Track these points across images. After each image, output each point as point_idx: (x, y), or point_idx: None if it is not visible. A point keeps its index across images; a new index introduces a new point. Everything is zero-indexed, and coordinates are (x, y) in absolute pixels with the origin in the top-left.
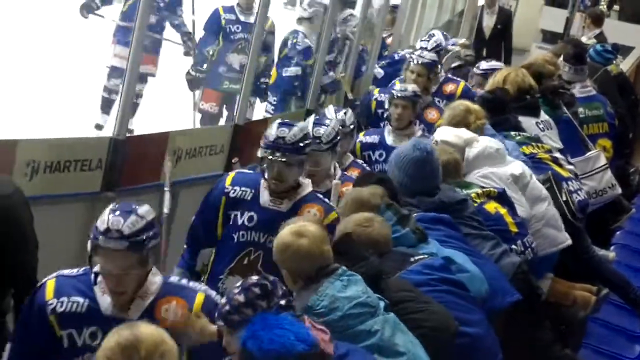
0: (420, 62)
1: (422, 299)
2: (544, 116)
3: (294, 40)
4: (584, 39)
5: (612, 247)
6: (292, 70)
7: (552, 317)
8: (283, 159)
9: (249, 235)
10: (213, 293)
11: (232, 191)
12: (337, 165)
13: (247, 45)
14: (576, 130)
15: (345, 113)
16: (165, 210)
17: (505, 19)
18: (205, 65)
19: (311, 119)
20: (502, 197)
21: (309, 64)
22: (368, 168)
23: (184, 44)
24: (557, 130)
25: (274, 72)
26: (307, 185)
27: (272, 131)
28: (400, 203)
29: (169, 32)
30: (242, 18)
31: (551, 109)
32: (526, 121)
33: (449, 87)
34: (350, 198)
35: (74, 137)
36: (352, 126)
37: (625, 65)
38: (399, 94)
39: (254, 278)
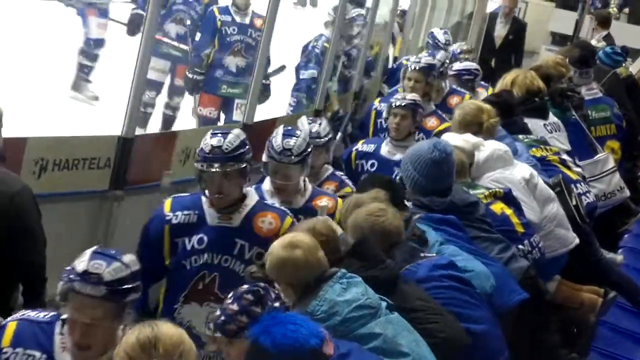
0: (416, 68)
1: (437, 310)
2: (552, 118)
3: (314, 44)
4: (593, 42)
5: (619, 250)
6: (309, 73)
7: (561, 319)
8: (223, 170)
9: (201, 258)
10: None
11: (174, 217)
12: (306, 180)
13: (244, 48)
14: (584, 133)
15: (320, 124)
16: None
17: (518, 30)
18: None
19: (280, 129)
20: (508, 198)
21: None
22: (348, 181)
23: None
24: (566, 132)
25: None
26: (252, 194)
27: (207, 141)
28: (402, 205)
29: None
30: (237, 19)
31: (560, 111)
32: (534, 123)
33: (454, 100)
34: (352, 203)
35: (83, 136)
36: (327, 138)
37: (634, 68)
38: (397, 103)
39: (245, 286)
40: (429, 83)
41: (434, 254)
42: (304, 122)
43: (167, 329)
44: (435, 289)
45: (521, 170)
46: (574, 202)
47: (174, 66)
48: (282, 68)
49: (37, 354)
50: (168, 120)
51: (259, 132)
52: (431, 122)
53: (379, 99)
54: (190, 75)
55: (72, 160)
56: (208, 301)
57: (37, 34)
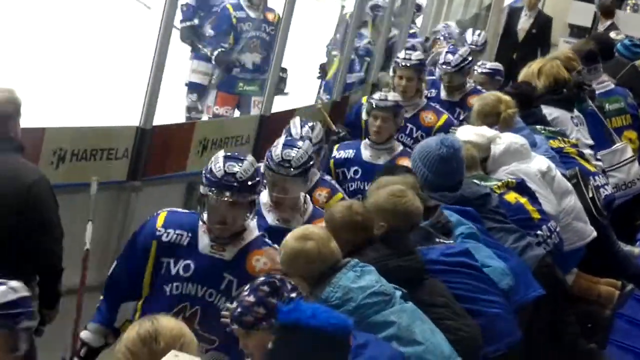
0: (407, 65)
1: (456, 309)
2: (576, 111)
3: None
4: (612, 35)
5: (637, 243)
6: (355, 76)
7: (578, 314)
8: (232, 200)
9: (184, 287)
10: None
11: (165, 234)
12: (307, 199)
13: (260, 43)
14: (602, 123)
15: (312, 128)
16: (87, 244)
17: (542, 23)
18: (216, 70)
19: (281, 139)
20: (521, 187)
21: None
22: (338, 186)
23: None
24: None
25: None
26: (253, 229)
27: (219, 165)
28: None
29: None
30: (252, 15)
31: (577, 102)
32: (562, 115)
33: (473, 100)
34: (379, 184)
35: (101, 126)
36: (319, 144)
37: None
38: (378, 104)
39: (261, 278)
40: (421, 80)
41: (451, 241)
42: (296, 124)
43: (167, 323)
44: (445, 273)
45: (538, 163)
46: (590, 195)
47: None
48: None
49: None
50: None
51: (276, 124)
52: (428, 118)
53: (366, 97)
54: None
55: (91, 150)
56: None
57: (55, 23)
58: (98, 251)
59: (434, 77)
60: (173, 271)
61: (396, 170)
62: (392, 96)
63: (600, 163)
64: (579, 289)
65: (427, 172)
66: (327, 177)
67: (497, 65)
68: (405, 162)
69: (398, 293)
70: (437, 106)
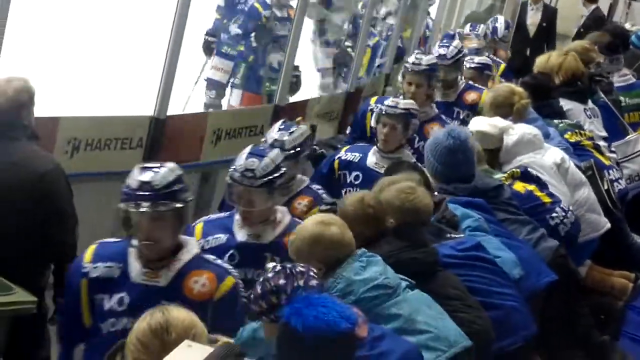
0: (417, 71)
1: (469, 302)
2: (590, 104)
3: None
4: (627, 26)
5: None
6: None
7: (591, 305)
8: (153, 211)
9: (119, 322)
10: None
11: (93, 270)
12: (283, 211)
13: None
14: (614, 116)
15: (290, 133)
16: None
17: (550, 16)
18: (241, 70)
19: (248, 148)
20: (526, 176)
21: None
22: (326, 196)
23: None
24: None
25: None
26: (191, 246)
27: (134, 176)
28: (432, 189)
29: None
30: (279, 14)
31: (589, 95)
32: (575, 107)
33: (471, 96)
34: (385, 183)
35: (115, 115)
36: (296, 149)
37: None
38: (387, 111)
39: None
40: (431, 86)
41: (461, 235)
42: (274, 127)
43: (178, 313)
44: (458, 267)
45: (552, 155)
46: (606, 187)
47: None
48: None
49: None
50: None
51: (290, 114)
52: (434, 132)
53: (375, 97)
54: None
55: (105, 140)
56: None
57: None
58: None
59: None
60: (107, 307)
61: (401, 166)
62: (404, 103)
63: (614, 155)
64: (593, 281)
65: (436, 164)
66: (315, 186)
67: (486, 60)
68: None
69: (404, 283)
70: (447, 120)
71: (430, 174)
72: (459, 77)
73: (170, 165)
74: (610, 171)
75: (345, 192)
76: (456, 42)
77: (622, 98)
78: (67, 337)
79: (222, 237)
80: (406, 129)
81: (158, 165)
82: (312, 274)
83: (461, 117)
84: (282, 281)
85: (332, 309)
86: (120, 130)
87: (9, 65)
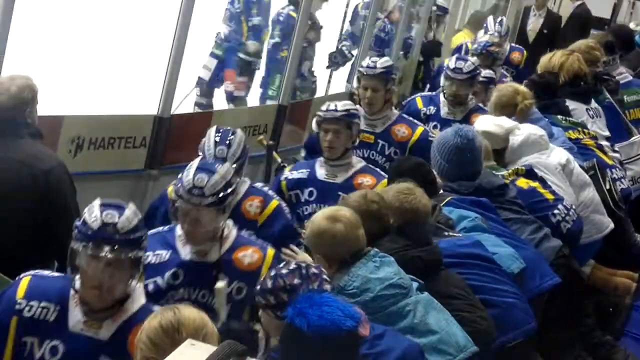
0: (372, 75)
1: (471, 301)
2: (593, 103)
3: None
4: (631, 25)
5: None
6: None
7: (595, 302)
8: (114, 257)
9: None
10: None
11: (27, 308)
12: (230, 226)
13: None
14: (619, 116)
15: (229, 145)
16: None
17: (552, 23)
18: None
19: (196, 162)
20: (530, 174)
21: None
22: (272, 193)
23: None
24: (605, 119)
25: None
26: (139, 295)
27: (94, 214)
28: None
29: None
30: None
31: (593, 94)
32: (578, 107)
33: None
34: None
35: (119, 114)
36: (239, 161)
37: None
38: (326, 116)
39: (287, 265)
40: (389, 90)
41: (460, 234)
42: (210, 136)
43: (189, 313)
44: (457, 266)
45: (557, 155)
46: (608, 187)
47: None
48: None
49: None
50: None
51: (294, 113)
52: (402, 132)
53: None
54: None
55: (108, 139)
56: None
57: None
58: None
59: (431, 93)
60: (37, 355)
61: (408, 161)
62: (342, 105)
63: (617, 155)
64: (596, 280)
65: (444, 162)
66: (258, 184)
67: (491, 74)
68: (366, 179)
69: (415, 285)
70: (412, 119)
71: (437, 172)
72: (470, 95)
73: (133, 206)
74: (613, 170)
75: (302, 212)
76: (474, 59)
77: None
78: None
79: (164, 254)
80: (350, 132)
81: (119, 204)
82: (325, 276)
83: None
84: (297, 281)
85: (336, 307)
86: (124, 129)
87: (13, 63)
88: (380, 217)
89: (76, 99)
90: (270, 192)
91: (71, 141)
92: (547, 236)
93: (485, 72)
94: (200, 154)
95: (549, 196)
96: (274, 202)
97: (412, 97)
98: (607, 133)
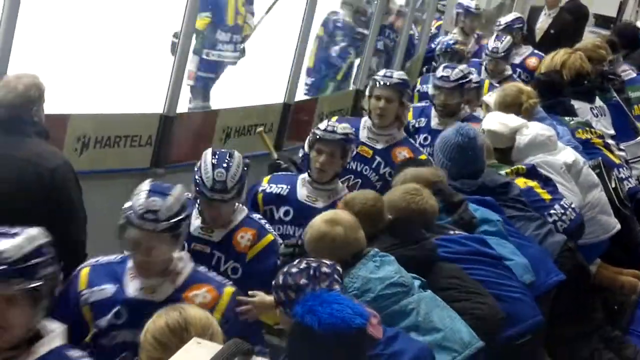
0: (388, 84)
1: (472, 288)
2: (598, 102)
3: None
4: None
5: None
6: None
7: (602, 299)
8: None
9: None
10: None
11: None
12: (185, 259)
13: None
14: (625, 115)
15: (226, 166)
16: None
17: (560, 24)
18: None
19: (146, 184)
20: (531, 173)
21: None
22: (268, 227)
23: None
24: (610, 117)
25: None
26: (55, 335)
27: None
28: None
29: None
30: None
31: (600, 93)
32: (582, 106)
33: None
34: (410, 174)
35: (125, 113)
36: (237, 185)
37: None
38: (324, 136)
39: (298, 264)
40: (403, 105)
41: (461, 233)
42: (207, 159)
43: (195, 312)
44: (461, 262)
45: (564, 155)
46: (613, 185)
47: None
48: None
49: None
50: None
51: (299, 112)
52: (402, 155)
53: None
54: None
55: (114, 137)
56: None
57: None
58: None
59: (423, 104)
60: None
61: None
62: (342, 128)
63: (623, 153)
64: (602, 279)
65: (446, 161)
66: (256, 216)
67: (480, 78)
68: None
69: (417, 282)
70: (417, 145)
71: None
72: (462, 104)
73: (34, 231)
74: (620, 169)
75: (275, 230)
76: (463, 66)
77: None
78: None
79: (108, 289)
80: (344, 156)
81: (15, 231)
82: (336, 276)
83: None
84: (303, 281)
85: (346, 305)
86: (129, 127)
87: (20, 62)
88: (377, 219)
89: (82, 98)
90: (267, 226)
91: (77, 140)
92: (551, 231)
93: (476, 77)
94: (197, 170)
95: (546, 196)
96: (269, 237)
97: None
98: (612, 132)
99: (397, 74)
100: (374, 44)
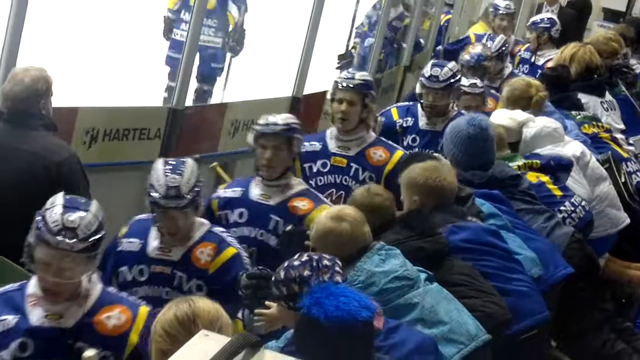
0: (349, 86)
1: (479, 287)
2: (608, 96)
3: None
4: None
5: None
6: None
7: (611, 291)
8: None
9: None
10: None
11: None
12: (94, 278)
13: None
14: (634, 109)
15: (180, 172)
16: None
17: (565, 20)
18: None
19: (59, 198)
20: (544, 169)
21: None
22: (231, 239)
23: None
24: (619, 112)
25: None
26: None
27: None
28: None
29: None
30: None
31: (608, 87)
32: (591, 100)
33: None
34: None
35: (134, 106)
36: (188, 196)
37: None
38: (265, 131)
39: (300, 257)
40: (367, 106)
41: (478, 221)
42: (158, 167)
43: (204, 304)
44: (473, 252)
45: (572, 148)
46: (623, 180)
47: None
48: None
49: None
50: None
51: (308, 105)
52: (378, 155)
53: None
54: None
55: (123, 130)
56: None
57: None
58: None
59: (409, 103)
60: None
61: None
62: (283, 119)
63: (632, 148)
64: (610, 273)
65: (457, 151)
66: (217, 229)
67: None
68: (303, 202)
69: (423, 276)
70: (390, 142)
71: (449, 161)
72: (451, 104)
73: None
74: (629, 163)
75: (232, 234)
76: (452, 64)
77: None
78: None
79: (9, 320)
80: (291, 149)
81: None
82: (337, 268)
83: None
84: (307, 272)
85: (352, 298)
86: (138, 121)
87: (28, 55)
88: (383, 209)
89: (90, 91)
90: (229, 239)
91: (86, 133)
92: (558, 223)
93: (472, 81)
94: (150, 185)
95: (557, 192)
96: (230, 250)
97: (388, 108)
98: (621, 126)
99: (360, 75)
100: (382, 40)
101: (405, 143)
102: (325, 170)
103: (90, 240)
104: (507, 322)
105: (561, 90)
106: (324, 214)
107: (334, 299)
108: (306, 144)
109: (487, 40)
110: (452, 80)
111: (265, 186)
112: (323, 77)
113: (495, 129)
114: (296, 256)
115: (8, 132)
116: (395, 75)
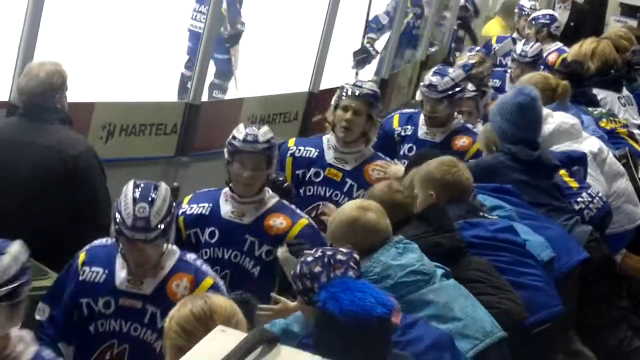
0: (357, 94)
1: (496, 283)
2: (625, 91)
3: None
4: None
5: None
6: None
7: (627, 288)
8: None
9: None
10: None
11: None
12: (25, 337)
13: None
14: None
15: (150, 200)
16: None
17: (579, 15)
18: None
19: None
20: (565, 163)
21: None
22: (205, 267)
23: None
24: (637, 107)
25: None
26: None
27: None
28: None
29: None
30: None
31: (626, 82)
32: (609, 95)
33: (461, 141)
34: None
35: (150, 101)
36: (163, 222)
37: None
38: (245, 148)
39: (314, 253)
40: (372, 118)
41: (496, 217)
42: (128, 192)
43: (219, 301)
44: (487, 248)
45: (589, 144)
46: None
47: None
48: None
49: None
50: None
51: (324, 100)
52: (376, 174)
53: (294, 139)
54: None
55: (139, 125)
56: None
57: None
58: None
59: (412, 110)
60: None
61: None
62: (263, 134)
63: None
64: (626, 269)
65: (504, 123)
66: (190, 257)
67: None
68: (279, 219)
69: (440, 271)
70: (389, 159)
71: (497, 135)
72: (453, 115)
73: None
74: None
75: (204, 255)
76: (455, 74)
77: None
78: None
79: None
80: (269, 167)
81: None
82: (352, 263)
83: None
84: (318, 269)
85: (369, 294)
86: (155, 116)
87: (45, 51)
88: (404, 206)
89: (107, 86)
90: (204, 267)
91: (102, 128)
92: (578, 222)
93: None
94: (118, 211)
95: (574, 184)
96: (208, 281)
97: (391, 114)
98: (639, 121)
99: (369, 85)
100: (398, 36)
101: (401, 152)
102: (317, 180)
103: (10, 285)
104: (523, 320)
105: (577, 86)
106: (347, 205)
107: (350, 293)
108: (300, 148)
109: (524, 44)
110: (450, 92)
111: (238, 203)
112: (339, 73)
113: None
114: (312, 251)
115: (24, 126)
116: (412, 71)
